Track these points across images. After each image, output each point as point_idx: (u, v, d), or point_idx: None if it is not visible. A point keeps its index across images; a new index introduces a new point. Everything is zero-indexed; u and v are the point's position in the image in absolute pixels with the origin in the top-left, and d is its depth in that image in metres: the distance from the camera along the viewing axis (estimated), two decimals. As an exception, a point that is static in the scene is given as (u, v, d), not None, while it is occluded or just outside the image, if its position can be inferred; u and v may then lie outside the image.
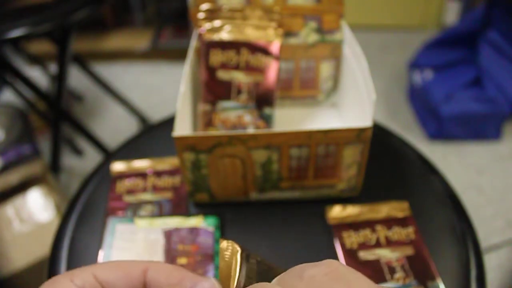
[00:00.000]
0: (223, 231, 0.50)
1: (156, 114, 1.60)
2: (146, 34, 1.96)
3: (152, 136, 0.64)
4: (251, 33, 0.55)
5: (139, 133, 0.65)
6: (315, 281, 0.22)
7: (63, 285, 0.22)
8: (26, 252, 0.91)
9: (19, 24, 0.79)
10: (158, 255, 0.47)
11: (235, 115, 0.55)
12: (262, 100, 0.56)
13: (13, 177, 1.01)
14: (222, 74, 0.55)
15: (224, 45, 0.55)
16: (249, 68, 0.55)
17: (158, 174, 0.56)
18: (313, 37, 0.59)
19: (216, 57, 0.55)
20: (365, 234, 0.48)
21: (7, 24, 0.79)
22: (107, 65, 1.91)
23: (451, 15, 1.96)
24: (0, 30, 0.78)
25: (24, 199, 0.99)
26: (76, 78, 1.66)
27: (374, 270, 0.45)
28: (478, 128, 1.45)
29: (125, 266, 0.24)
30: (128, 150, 0.62)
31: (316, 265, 0.23)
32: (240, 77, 0.55)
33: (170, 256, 0.47)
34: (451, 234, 0.49)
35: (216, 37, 0.55)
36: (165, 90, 1.79)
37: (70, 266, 0.48)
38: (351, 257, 0.46)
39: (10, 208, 0.98)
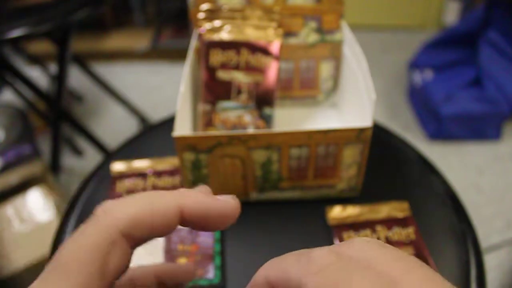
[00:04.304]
0: (223, 231, 0.50)
1: (156, 114, 1.60)
2: (146, 34, 1.96)
3: (152, 136, 0.64)
4: (251, 33, 0.55)
5: (139, 133, 0.65)
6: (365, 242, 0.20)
7: (108, 229, 0.19)
8: (26, 252, 0.91)
9: (19, 24, 0.79)
10: (158, 255, 0.47)
11: (235, 115, 0.55)
12: (262, 100, 0.56)
13: (13, 177, 1.01)
14: (222, 74, 0.55)
15: (224, 45, 0.55)
16: (249, 68, 0.55)
17: (158, 174, 0.56)
18: (313, 37, 0.59)
19: (216, 57, 0.55)
20: (366, 234, 0.48)
21: (7, 24, 0.79)
22: (107, 65, 1.91)
23: (451, 15, 1.96)
24: (0, 30, 0.78)
25: (24, 199, 0.99)
26: (76, 78, 1.66)
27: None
28: (478, 128, 1.45)
29: (159, 206, 0.21)
30: (128, 150, 0.62)
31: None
32: (240, 77, 0.55)
33: (170, 256, 0.47)
34: (451, 234, 0.49)
35: (216, 37, 0.55)
36: (165, 90, 1.79)
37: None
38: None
39: (10, 208, 0.98)
